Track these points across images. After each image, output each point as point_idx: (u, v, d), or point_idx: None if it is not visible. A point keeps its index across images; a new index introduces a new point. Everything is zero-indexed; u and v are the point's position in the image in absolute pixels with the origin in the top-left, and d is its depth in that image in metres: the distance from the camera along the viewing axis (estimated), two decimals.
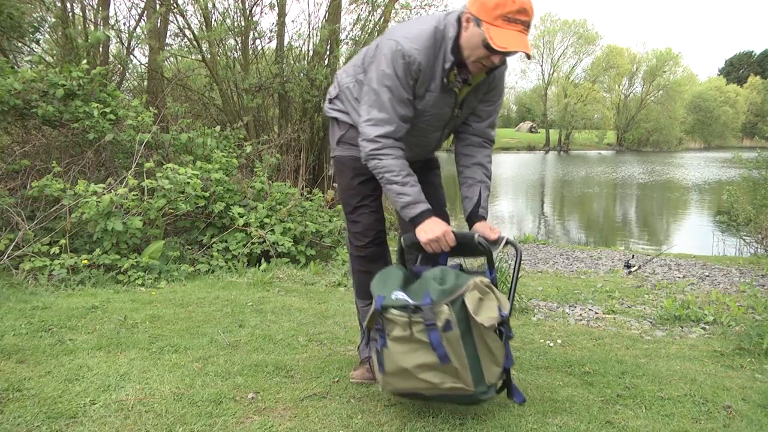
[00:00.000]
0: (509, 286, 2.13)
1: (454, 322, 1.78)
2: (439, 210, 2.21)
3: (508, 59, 2.09)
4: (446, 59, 1.99)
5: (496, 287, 1.95)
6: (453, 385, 1.82)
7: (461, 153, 2.28)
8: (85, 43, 6.09)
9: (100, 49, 7.12)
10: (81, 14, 7.52)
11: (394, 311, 1.83)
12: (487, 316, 1.81)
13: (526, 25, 1.88)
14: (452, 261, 2.16)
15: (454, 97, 2.09)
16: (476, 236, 1.99)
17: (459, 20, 1.98)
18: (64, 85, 4.91)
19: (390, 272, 2.00)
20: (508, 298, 2.01)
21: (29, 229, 4.14)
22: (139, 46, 8.21)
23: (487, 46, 1.88)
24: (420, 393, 1.91)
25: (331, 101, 2.31)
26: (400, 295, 1.84)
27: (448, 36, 1.98)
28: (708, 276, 5.48)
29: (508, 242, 2.11)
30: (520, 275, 2.47)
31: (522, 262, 2.25)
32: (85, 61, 5.44)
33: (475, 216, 2.20)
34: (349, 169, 2.23)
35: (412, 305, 1.79)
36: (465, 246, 2.05)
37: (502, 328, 1.90)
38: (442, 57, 1.99)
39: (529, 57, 1.93)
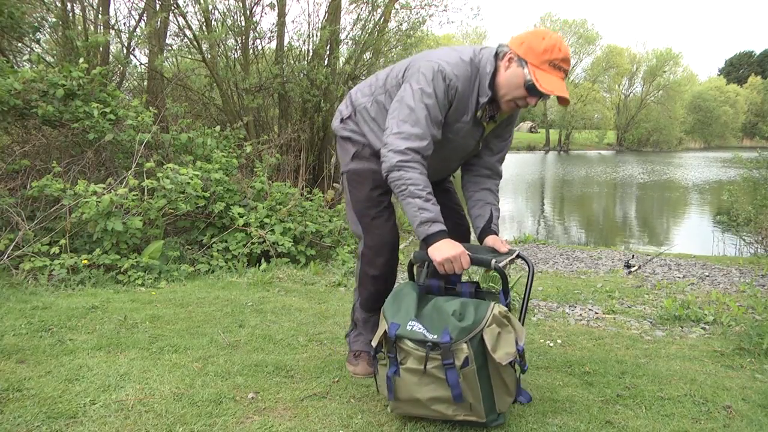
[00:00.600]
0: (521, 303, 2.09)
1: (472, 358, 1.76)
2: (454, 212, 2.26)
3: None
4: (482, 93, 2.02)
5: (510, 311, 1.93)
6: (465, 418, 1.83)
7: (470, 181, 2.31)
8: (85, 43, 6.09)
9: (100, 48, 7.11)
10: (81, 14, 7.51)
11: (409, 343, 1.80)
12: (504, 352, 1.78)
13: (566, 73, 1.98)
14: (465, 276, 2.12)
15: (482, 131, 2.14)
16: (493, 262, 1.94)
17: (496, 57, 2.02)
18: (64, 85, 4.91)
19: (403, 293, 1.96)
20: (519, 318, 1.98)
21: (29, 229, 4.14)
22: (139, 47, 8.21)
23: (530, 87, 1.94)
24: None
25: (343, 120, 2.27)
26: (416, 327, 1.81)
27: (485, 71, 2.02)
28: (708, 276, 5.48)
29: (519, 256, 2.07)
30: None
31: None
32: (82, 60, 5.44)
33: (487, 231, 2.20)
34: (368, 181, 2.19)
35: (430, 342, 1.77)
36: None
37: (518, 360, 1.87)
38: (477, 90, 2.02)
39: (567, 102, 1.98)
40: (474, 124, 2.09)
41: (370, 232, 2.19)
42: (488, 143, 2.25)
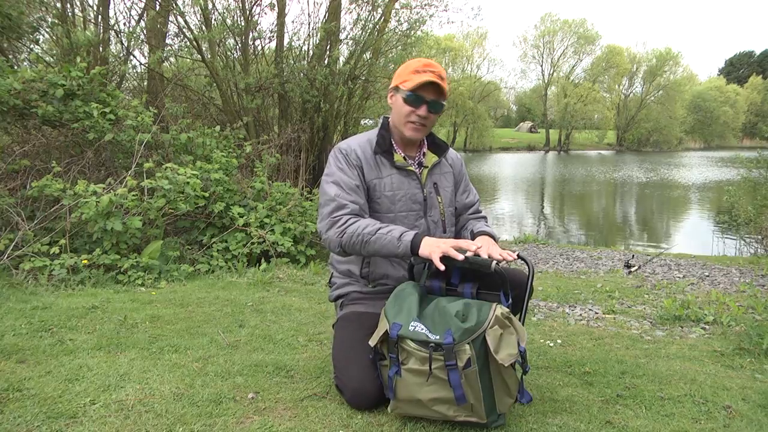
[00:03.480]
0: (521, 303, 2.06)
1: (474, 359, 1.76)
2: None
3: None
4: (377, 140, 2.22)
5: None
6: (466, 419, 1.83)
7: (461, 226, 2.41)
8: (68, 43, 6.08)
9: (101, 48, 7.12)
10: (81, 15, 7.52)
11: (411, 344, 1.80)
12: (506, 353, 1.78)
13: (437, 75, 2.13)
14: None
15: (417, 179, 2.24)
16: (494, 264, 1.91)
17: (387, 117, 2.29)
18: (63, 85, 4.91)
19: (404, 293, 1.95)
20: (519, 318, 1.97)
21: (29, 229, 4.14)
22: (139, 47, 8.22)
23: (407, 98, 2.14)
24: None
25: (330, 285, 2.39)
26: (419, 328, 1.81)
27: (378, 128, 2.27)
28: (708, 276, 5.48)
29: (519, 257, 2.05)
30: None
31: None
32: (79, 59, 5.43)
33: (481, 232, 2.24)
34: (355, 323, 2.16)
35: (433, 342, 1.77)
36: (480, 272, 1.99)
37: (520, 362, 1.86)
38: (379, 143, 2.22)
39: (443, 95, 2.15)
40: (404, 174, 2.22)
41: (344, 376, 2.05)
42: (457, 200, 2.38)
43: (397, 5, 9.01)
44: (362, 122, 9.98)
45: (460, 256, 1.90)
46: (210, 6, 7.79)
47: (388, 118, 2.30)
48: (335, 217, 2.08)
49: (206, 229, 5.13)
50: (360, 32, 8.83)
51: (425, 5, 9.24)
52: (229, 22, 8.02)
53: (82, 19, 7.51)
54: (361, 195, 2.14)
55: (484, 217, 2.46)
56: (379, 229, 2.02)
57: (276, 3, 8.02)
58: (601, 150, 50.33)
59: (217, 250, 4.84)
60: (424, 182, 2.26)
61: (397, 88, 2.18)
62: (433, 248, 1.93)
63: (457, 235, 2.40)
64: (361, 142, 2.23)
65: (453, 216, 2.37)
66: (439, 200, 2.28)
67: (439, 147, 2.34)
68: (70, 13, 7.29)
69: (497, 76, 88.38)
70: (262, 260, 4.92)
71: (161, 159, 5.36)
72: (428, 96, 2.13)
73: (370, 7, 8.70)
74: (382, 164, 2.20)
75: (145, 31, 7.96)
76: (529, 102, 59.75)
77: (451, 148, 2.42)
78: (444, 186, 2.32)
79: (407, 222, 2.21)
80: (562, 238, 10.72)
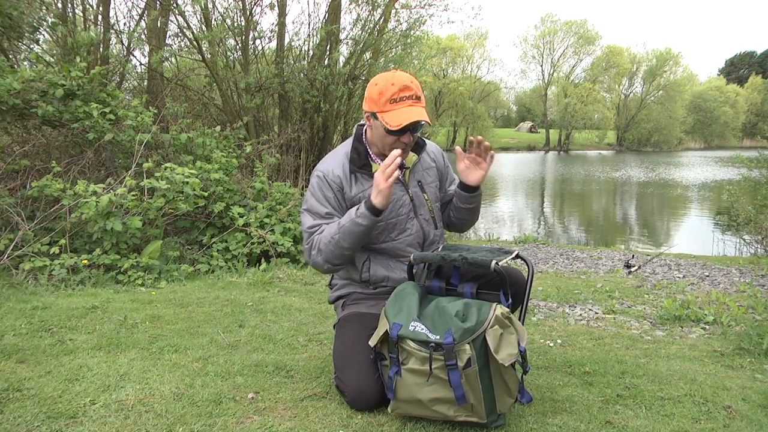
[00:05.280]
0: (521, 303, 2.07)
1: (474, 359, 1.76)
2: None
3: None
4: (352, 156, 2.21)
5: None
6: (467, 419, 1.84)
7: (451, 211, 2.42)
8: (74, 42, 6.07)
9: (100, 48, 7.11)
10: (81, 15, 7.52)
11: (412, 344, 1.81)
12: (507, 353, 1.78)
13: (415, 98, 2.08)
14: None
15: (400, 182, 2.23)
16: (493, 264, 1.90)
17: (360, 125, 2.26)
18: (63, 85, 4.91)
19: (404, 293, 1.95)
20: (519, 318, 1.97)
21: (29, 229, 4.14)
22: (139, 47, 8.21)
23: (389, 132, 2.08)
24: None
25: (331, 286, 2.41)
26: (419, 328, 1.81)
27: (352, 141, 2.24)
28: (708, 276, 5.48)
29: (519, 256, 2.05)
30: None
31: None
32: (79, 59, 5.43)
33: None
34: (356, 323, 2.17)
35: (434, 342, 1.77)
36: (479, 273, 1.99)
37: (520, 361, 1.87)
38: (353, 160, 2.20)
39: (427, 124, 2.09)
40: None
41: (345, 377, 2.05)
42: (446, 194, 2.39)
43: (397, 5, 9.00)
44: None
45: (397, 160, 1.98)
46: (210, 6, 7.78)
47: (363, 126, 2.25)
48: (309, 239, 2.17)
49: (206, 229, 5.13)
50: (360, 32, 8.82)
51: (425, 5, 9.24)
52: (229, 22, 8.02)
53: (82, 19, 7.51)
54: (335, 219, 2.15)
55: None
56: (339, 223, 2.08)
57: (276, 3, 8.01)
58: (601, 150, 50.34)
59: (217, 250, 4.84)
60: (408, 183, 2.25)
61: (373, 115, 2.10)
62: (380, 188, 1.99)
63: (449, 223, 2.42)
64: (338, 160, 2.21)
65: (440, 211, 2.36)
66: (426, 197, 2.27)
67: (417, 144, 2.29)
68: (70, 13, 7.30)
69: (497, 76, 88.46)
70: (262, 260, 4.92)
71: (161, 159, 5.36)
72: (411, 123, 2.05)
73: (370, 7, 8.70)
74: (363, 178, 2.19)
75: (145, 31, 7.95)
76: (529, 102, 59.74)
77: (429, 141, 2.39)
78: (428, 182, 2.30)
79: (399, 226, 2.21)
80: (562, 238, 10.72)
